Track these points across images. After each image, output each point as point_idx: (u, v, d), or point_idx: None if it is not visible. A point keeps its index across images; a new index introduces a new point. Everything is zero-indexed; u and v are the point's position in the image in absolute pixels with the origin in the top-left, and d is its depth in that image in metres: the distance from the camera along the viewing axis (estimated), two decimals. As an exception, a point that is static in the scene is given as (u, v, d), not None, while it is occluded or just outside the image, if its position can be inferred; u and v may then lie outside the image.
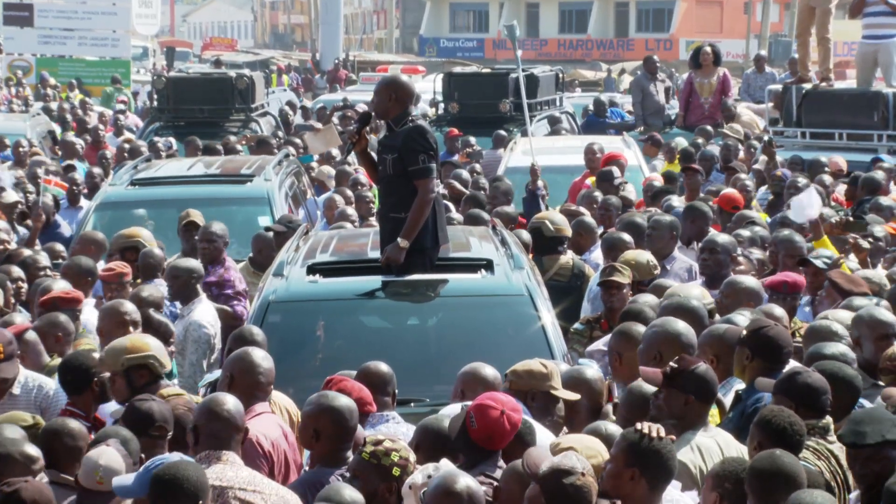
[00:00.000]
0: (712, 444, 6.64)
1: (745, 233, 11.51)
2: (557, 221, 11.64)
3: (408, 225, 9.00)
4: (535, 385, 7.38)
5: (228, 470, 6.42)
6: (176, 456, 6.21)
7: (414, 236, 9.01)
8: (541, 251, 11.51)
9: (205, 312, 10.37)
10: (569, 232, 11.72)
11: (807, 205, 11.06)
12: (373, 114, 9.83)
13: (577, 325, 9.99)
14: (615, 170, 15.21)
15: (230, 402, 6.70)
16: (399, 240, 8.99)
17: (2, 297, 9.82)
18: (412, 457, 6.28)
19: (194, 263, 10.68)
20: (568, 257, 11.54)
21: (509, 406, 6.58)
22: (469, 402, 6.76)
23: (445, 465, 6.09)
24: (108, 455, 6.41)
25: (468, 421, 6.50)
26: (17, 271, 10.49)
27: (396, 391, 7.62)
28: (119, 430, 6.78)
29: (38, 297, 9.72)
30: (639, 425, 6.05)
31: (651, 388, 6.99)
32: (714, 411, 7.37)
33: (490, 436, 6.49)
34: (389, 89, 9.19)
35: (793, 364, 7.40)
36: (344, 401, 6.77)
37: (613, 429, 6.54)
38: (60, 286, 9.77)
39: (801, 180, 14.10)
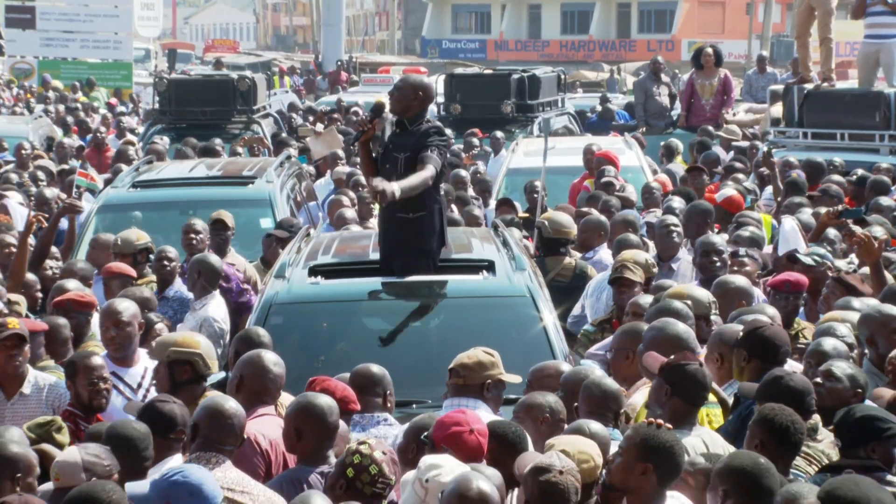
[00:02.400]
0: (698, 444, 6.63)
1: (745, 233, 11.52)
2: (557, 223, 11.61)
3: (406, 183, 8.89)
4: (488, 375, 7.43)
5: (217, 471, 6.41)
6: (193, 466, 6.15)
7: (407, 194, 8.90)
8: (544, 252, 11.53)
9: (218, 308, 10.58)
10: (571, 234, 11.69)
11: (791, 241, 11.08)
12: (385, 106, 9.80)
13: (587, 327, 9.98)
14: (608, 169, 15.26)
15: (233, 408, 6.69)
16: (396, 186, 8.85)
17: (24, 305, 9.81)
18: (374, 469, 6.20)
19: (217, 260, 10.91)
20: (571, 258, 11.54)
21: (473, 420, 6.58)
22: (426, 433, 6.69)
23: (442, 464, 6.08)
24: (67, 452, 6.38)
25: (442, 452, 6.38)
26: (31, 277, 10.57)
27: (390, 392, 7.61)
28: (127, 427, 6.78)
29: (52, 295, 9.76)
30: (652, 419, 6.07)
31: (611, 385, 7.08)
32: (717, 411, 7.38)
33: (471, 457, 6.43)
34: (417, 88, 9.25)
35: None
36: (323, 399, 6.76)
37: (597, 427, 6.52)
38: (73, 286, 9.81)
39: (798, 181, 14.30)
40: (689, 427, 6.72)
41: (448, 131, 20.39)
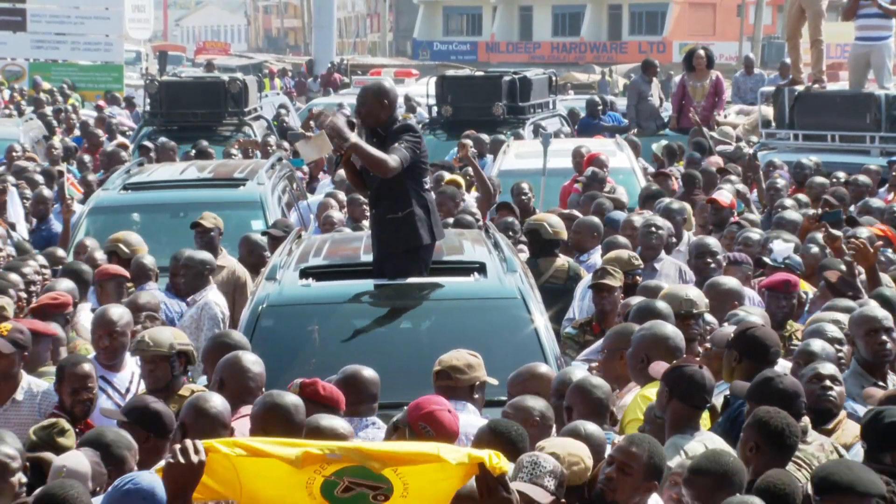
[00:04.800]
0: (699, 448, 6.60)
1: (745, 234, 11.57)
2: (555, 224, 11.64)
3: (362, 150, 8.91)
4: (477, 376, 7.49)
5: None
6: (143, 472, 6.12)
7: (360, 158, 8.97)
8: (537, 253, 11.54)
9: (216, 295, 10.80)
10: (565, 235, 11.73)
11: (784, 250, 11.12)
12: (355, 121, 9.74)
13: (568, 330, 10.00)
14: (598, 171, 15.30)
15: (217, 400, 6.75)
16: (351, 138, 8.87)
17: (12, 305, 9.79)
18: None
19: (206, 255, 11.01)
20: (563, 260, 11.56)
21: (448, 403, 6.67)
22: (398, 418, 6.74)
23: None
24: (73, 458, 6.35)
25: (420, 433, 6.44)
26: (17, 279, 10.54)
27: (377, 393, 7.60)
28: (104, 433, 6.76)
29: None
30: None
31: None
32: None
33: (447, 438, 6.42)
34: (380, 96, 9.22)
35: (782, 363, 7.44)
36: (289, 398, 6.74)
37: (592, 429, 6.50)
38: (63, 287, 9.79)
39: (780, 182, 14.27)
40: (692, 431, 6.70)
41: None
